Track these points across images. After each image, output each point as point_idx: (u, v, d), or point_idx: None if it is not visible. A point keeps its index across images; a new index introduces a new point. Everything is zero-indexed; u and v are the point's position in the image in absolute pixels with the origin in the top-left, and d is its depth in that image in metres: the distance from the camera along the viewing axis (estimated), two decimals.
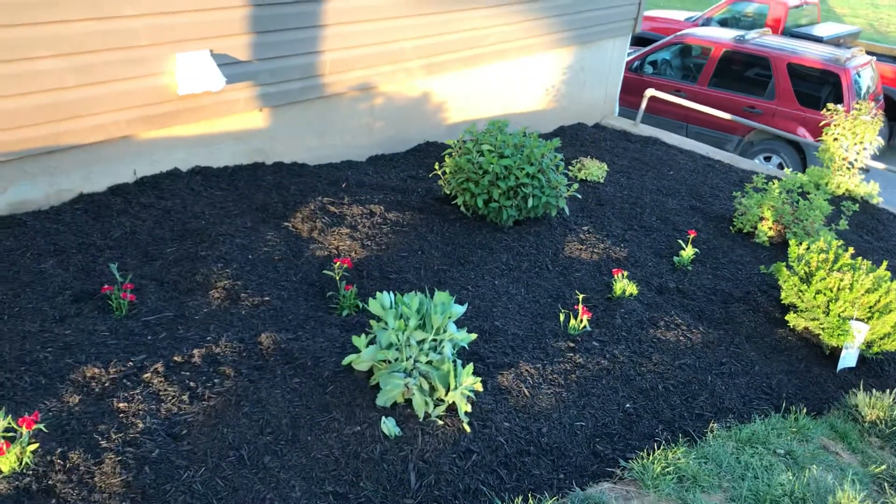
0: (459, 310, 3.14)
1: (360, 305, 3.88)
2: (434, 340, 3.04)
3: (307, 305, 3.87)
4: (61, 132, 4.28)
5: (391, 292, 3.81)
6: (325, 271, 4.04)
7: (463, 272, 4.37)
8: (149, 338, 3.42)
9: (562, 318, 4.03)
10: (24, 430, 2.57)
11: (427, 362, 3.01)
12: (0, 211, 4.19)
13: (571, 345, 3.84)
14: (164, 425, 2.88)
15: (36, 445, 2.62)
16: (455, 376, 2.96)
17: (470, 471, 2.94)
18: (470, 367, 3.04)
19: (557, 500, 2.92)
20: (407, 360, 3.02)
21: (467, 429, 3.04)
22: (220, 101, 4.96)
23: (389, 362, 3.07)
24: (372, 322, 3.21)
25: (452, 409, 3.11)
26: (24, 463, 2.59)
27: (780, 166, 9.17)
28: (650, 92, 8.89)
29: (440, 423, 3.06)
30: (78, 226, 4.22)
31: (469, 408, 3.07)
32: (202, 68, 4.62)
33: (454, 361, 3.08)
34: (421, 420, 3.03)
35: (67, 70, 4.17)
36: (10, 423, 2.57)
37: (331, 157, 6.00)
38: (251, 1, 4.82)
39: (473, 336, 3.19)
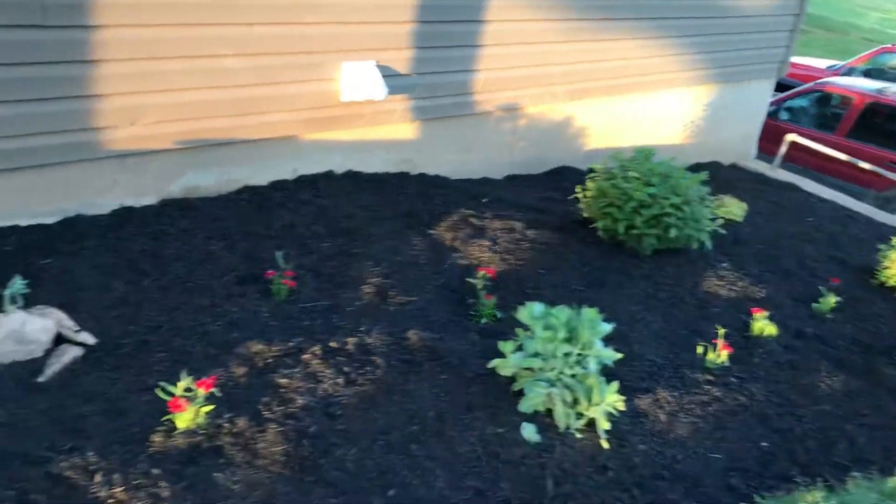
0: (606, 328, 3.21)
1: (498, 315, 3.99)
2: (580, 354, 3.11)
3: (448, 310, 4.01)
4: (235, 127, 4.61)
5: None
6: (468, 279, 4.17)
7: (599, 294, 4.42)
8: (306, 322, 3.64)
9: (700, 350, 4.02)
10: (202, 392, 2.79)
11: (571, 375, 3.09)
12: (176, 193, 4.54)
13: (710, 378, 3.83)
14: (321, 404, 3.06)
15: (212, 407, 2.85)
16: (599, 392, 3.02)
17: (605, 486, 2.99)
18: (615, 384, 3.09)
19: None
20: (551, 370, 3.10)
21: (605, 445, 3.09)
22: (378, 110, 5.21)
23: (533, 370, 3.16)
24: (518, 330, 3.32)
25: (591, 423, 3.17)
26: (197, 422, 2.81)
27: None
28: (791, 137, 8.68)
29: (578, 436, 3.12)
30: (243, 214, 4.51)
31: (608, 425, 3.12)
32: (366, 78, 4.87)
33: (598, 378, 3.14)
34: (560, 431, 3.10)
35: (247, 69, 4.49)
36: (189, 385, 2.79)
37: (471, 173, 6.17)
38: (417, 17, 5.05)
39: (619, 355, 3.25)
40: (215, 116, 4.49)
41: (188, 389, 2.80)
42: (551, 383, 3.10)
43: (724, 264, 5.24)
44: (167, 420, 2.83)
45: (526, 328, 3.29)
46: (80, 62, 3.88)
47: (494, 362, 3.24)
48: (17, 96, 3.76)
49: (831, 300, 4.96)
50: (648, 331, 4.18)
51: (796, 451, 3.51)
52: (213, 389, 2.84)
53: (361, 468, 2.81)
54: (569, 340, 3.10)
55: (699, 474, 3.22)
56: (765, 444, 3.51)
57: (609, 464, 3.07)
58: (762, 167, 8.90)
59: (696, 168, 8.01)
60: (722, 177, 7.91)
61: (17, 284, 3.16)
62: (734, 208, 6.47)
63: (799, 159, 9.56)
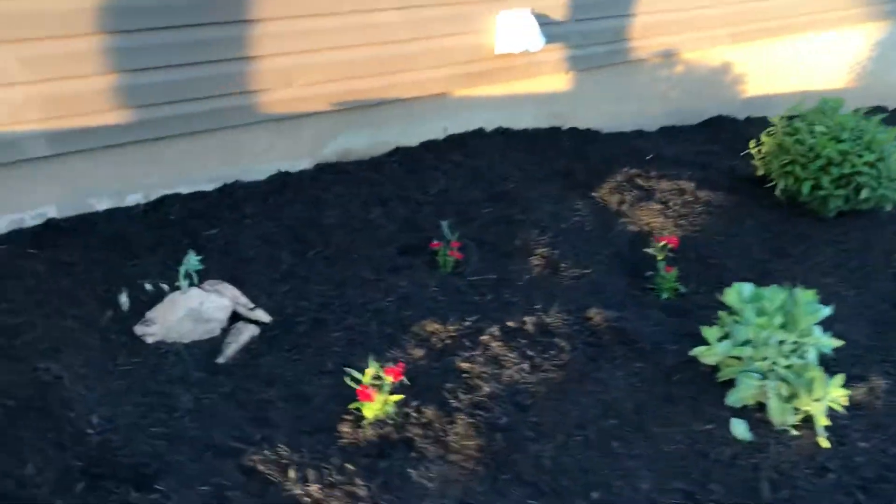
0: (825, 311, 2.85)
1: (681, 290, 3.67)
2: (795, 343, 2.78)
3: (624, 283, 3.72)
4: (388, 85, 4.40)
5: (717, 280, 3.56)
6: (644, 250, 3.85)
7: (786, 265, 4.02)
8: (475, 298, 3.43)
9: None
10: (390, 379, 2.62)
11: (786, 366, 2.76)
12: (329, 157, 4.39)
13: None
14: (508, 392, 2.85)
15: (401, 397, 2.68)
16: (822, 386, 2.68)
17: (827, 490, 2.67)
18: (839, 377, 2.75)
19: None
20: (763, 360, 2.78)
21: (825, 444, 2.76)
22: (531, 62, 4.88)
23: (741, 360, 2.84)
24: (721, 314, 3.00)
25: (806, 419, 2.84)
26: (385, 411, 2.65)
27: None
28: None
29: (794, 433, 2.80)
30: (396, 178, 4.32)
31: (828, 421, 2.78)
32: (522, 28, 4.55)
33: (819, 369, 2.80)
34: (774, 428, 2.79)
35: (402, 24, 4.25)
36: (378, 372, 2.63)
37: (622, 125, 5.78)
38: None
39: (839, 342, 2.89)
40: (368, 76, 4.29)
41: (376, 377, 2.63)
42: (763, 375, 2.78)
43: None
44: (353, 409, 2.68)
45: (729, 310, 2.96)
46: (237, 22, 3.72)
47: (698, 350, 2.94)
48: (175, 61, 3.64)
49: None
50: (846, 307, 3.76)
51: None
52: (402, 378, 2.66)
53: (559, 466, 2.60)
54: (784, 326, 2.76)
55: None
56: None
57: (829, 464, 2.75)
58: None
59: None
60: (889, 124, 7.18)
61: (192, 260, 3.07)
62: None
63: None
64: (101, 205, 3.71)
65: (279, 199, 3.97)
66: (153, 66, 3.59)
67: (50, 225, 3.52)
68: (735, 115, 6.41)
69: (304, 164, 4.31)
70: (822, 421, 2.77)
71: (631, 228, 4.14)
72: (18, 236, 3.44)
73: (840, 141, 4.32)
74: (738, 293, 2.88)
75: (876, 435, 2.95)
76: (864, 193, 4.32)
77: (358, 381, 2.65)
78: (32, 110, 3.33)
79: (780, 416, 2.74)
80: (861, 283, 4.04)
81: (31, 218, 3.54)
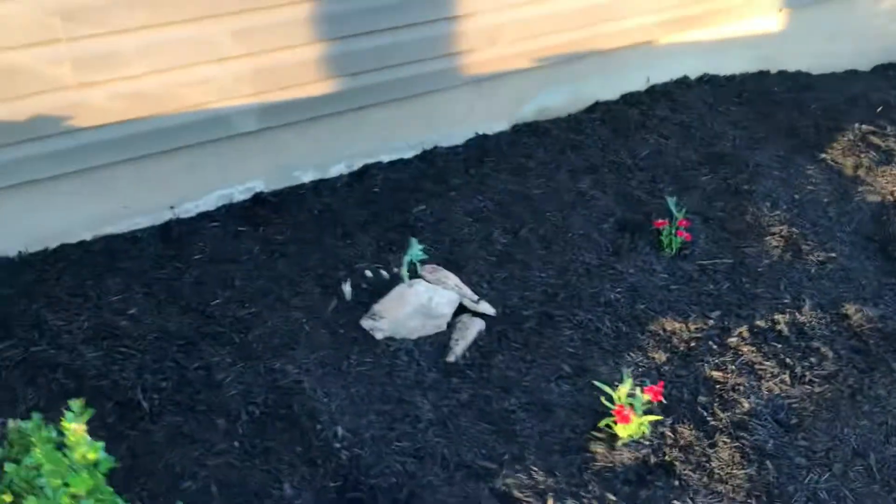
0: None
1: None
2: None
3: (872, 267, 3.32)
4: (589, 37, 4.06)
5: None
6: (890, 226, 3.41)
7: None
8: (710, 287, 3.13)
9: None
10: (646, 397, 2.40)
11: None
12: (527, 117, 4.11)
13: None
14: (769, 408, 2.59)
15: (659, 418, 2.46)
16: None
17: None
18: None
19: None
20: None
21: None
22: (749, 1, 4.38)
23: None
24: None
25: None
26: (641, 433, 2.44)
27: None
28: None
29: None
30: (600, 139, 4.01)
31: None
32: None
33: None
34: None
35: None
36: (632, 389, 2.40)
37: (833, 66, 5.17)
38: None
39: None
40: (570, 29, 3.94)
41: (630, 394, 2.41)
42: None
43: None
44: (604, 426, 2.48)
45: None
46: None
47: None
48: (381, 25, 3.41)
49: None
50: None
51: None
52: (661, 400, 2.43)
53: (840, 501, 2.32)
54: None
55: None
56: None
57: None
58: None
59: None
60: None
61: (416, 250, 2.91)
62: None
63: None
64: (307, 177, 3.60)
65: (481, 167, 3.75)
66: (358, 32, 3.38)
67: (259, 199, 3.45)
68: None
69: (501, 125, 4.05)
70: None
71: (873, 199, 3.68)
72: (229, 212, 3.39)
73: None
74: None
75: None
76: None
77: (605, 394, 2.44)
78: (243, 85, 3.21)
79: None
80: None
81: (239, 193, 3.48)
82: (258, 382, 2.56)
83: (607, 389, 2.49)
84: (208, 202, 3.38)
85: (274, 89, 3.30)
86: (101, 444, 1.53)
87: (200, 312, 2.80)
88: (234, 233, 3.28)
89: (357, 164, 3.69)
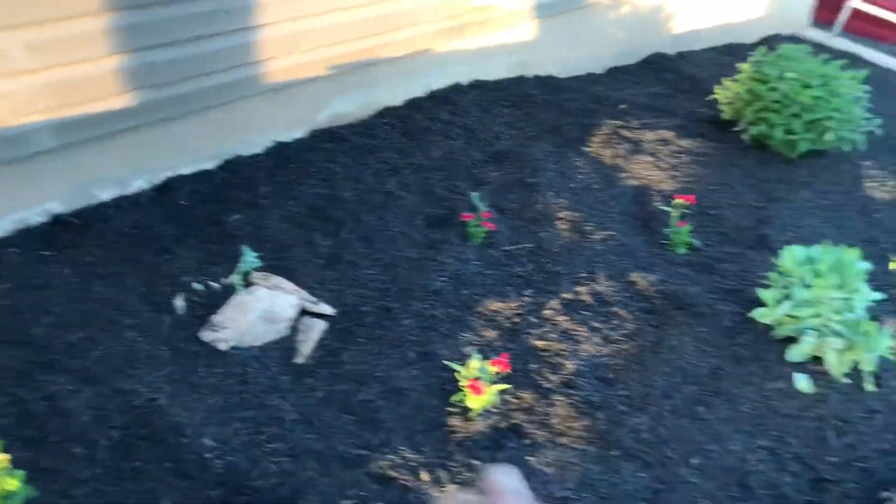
0: (868, 267, 3.10)
1: (695, 244, 3.84)
2: (846, 299, 3.01)
3: (643, 241, 3.86)
4: (379, 45, 4.26)
5: (722, 231, 3.76)
6: (653, 206, 3.99)
7: (777, 210, 4.28)
8: (519, 269, 3.47)
9: (893, 265, 3.94)
10: (493, 370, 2.66)
11: (840, 321, 3.00)
12: (322, 123, 4.23)
13: None
14: (589, 367, 2.95)
15: (507, 386, 2.72)
16: (876, 338, 2.94)
17: (879, 431, 2.96)
18: (891, 327, 3.01)
19: None
20: (818, 317, 3.01)
21: (872, 388, 3.05)
22: (508, 12, 4.85)
23: (796, 318, 3.06)
24: (772, 276, 3.20)
25: (855, 369, 3.11)
26: (491, 402, 2.69)
27: None
28: (854, 3, 8.32)
29: (846, 381, 3.07)
30: (394, 142, 4.23)
31: (875, 368, 3.07)
32: None
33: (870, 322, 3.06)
34: (831, 379, 3.05)
35: None
36: (481, 363, 2.65)
37: (576, 69, 5.86)
38: None
39: (883, 295, 3.15)
40: (364, 36, 4.13)
41: (479, 368, 2.65)
42: (819, 330, 3.01)
43: (867, 162, 5.10)
44: (457, 401, 2.70)
45: (780, 273, 3.16)
46: None
47: (757, 312, 3.13)
48: (181, 36, 3.36)
49: None
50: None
51: None
52: (508, 370, 2.69)
53: (658, 437, 2.75)
54: (837, 285, 2.99)
55: None
56: None
57: (876, 406, 3.04)
58: (822, 37, 8.57)
59: (763, 43, 7.69)
60: (787, 52, 7.60)
61: (250, 258, 2.93)
62: None
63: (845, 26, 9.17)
64: (106, 194, 3.44)
65: (286, 173, 3.81)
66: (155, 44, 3.30)
67: (59, 221, 3.25)
68: (668, 52, 6.60)
69: (299, 132, 4.14)
70: (870, 368, 3.04)
71: (632, 183, 4.27)
72: (28, 237, 3.16)
73: (809, 87, 4.58)
74: (792, 256, 3.07)
75: None
76: (829, 136, 4.63)
77: (453, 372, 2.66)
78: (38, 100, 3.01)
79: (838, 368, 2.99)
80: (837, 222, 4.38)
81: (35, 215, 3.25)
82: (110, 406, 2.45)
83: (457, 367, 2.71)
84: (3, 227, 3.12)
85: (72, 104, 3.12)
86: (21, 472, 1.46)
87: (26, 343, 2.61)
88: (38, 257, 3.07)
89: (159, 178, 3.59)
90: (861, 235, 4.29)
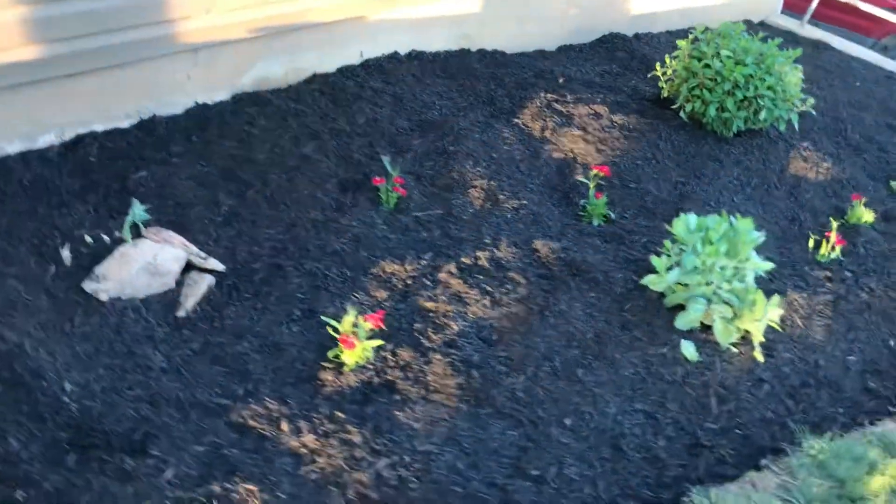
0: (761, 237, 3.10)
1: (611, 215, 3.84)
2: (736, 268, 3.02)
3: (559, 211, 3.86)
4: (307, 9, 4.23)
5: (642, 204, 3.76)
6: (573, 178, 3.99)
7: (700, 186, 4.28)
8: (425, 234, 3.47)
9: (812, 244, 3.94)
10: (368, 326, 2.66)
11: (729, 290, 3.00)
12: (247, 87, 4.21)
13: (827, 274, 3.77)
14: (474, 329, 2.96)
15: (380, 343, 2.72)
16: (763, 307, 2.94)
17: (764, 400, 2.98)
18: (776, 297, 3.02)
19: (848, 433, 2.94)
20: (707, 285, 3.01)
21: (761, 358, 3.06)
22: None
23: (687, 286, 3.06)
24: (666, 243, 3.20)
25: (744, 336, 3.12)
26: (365, 357, 2.69)
27: None
28: None
29: (734, 350, 3.07)
30: (321, 108, 4.22)
31: (763, 338, 3.07)
32: None
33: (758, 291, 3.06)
34: (719, 347, 3.05)
35: None
36: (355, 319, 2.65)
37: (525, 46, 5.82)
38: None
39: (772, 265, 3.16)
40: (286, 0, 4.10)
41: (354, 325, 2.66)
42: (708, 299, 3.01)
43: (805, 143, 5.09)
44: (332, 356, 2.71)
45: (674, 241, 3.16)
46: None
47: (649, 279, 3.13)
48: None
49: None
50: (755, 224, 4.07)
51: None
52: (382, 326, 2.70)
53: (533, 397, 2.76)
54: (727, 253, 2.99)
55: (840, 379, 3.22)
56: (893, 342, 3.50)
57: (763, 376, 3.05)
58: (792, 24, 8.53)
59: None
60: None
61: (138, 211, 2.94)
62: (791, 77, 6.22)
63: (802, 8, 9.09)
64: (12, 147, 3.44)
65: (204, 134, 3.80)
66: None
67: None
68: (625, 33, 6.57)
69: (221, 94, 4.12)
70: (759, 337, 3.05)
71: (557, 155, 4.26)
72: None
73: (744, 65, 4.57)
74: (685, 224, 3.07)
75: (796, 346, 3.28)
76: (763, 114, 4.62)
77: (335, 328, 2.66)
78: None
79: (725, 336, 3.00)
80: (763, 200, 4.37)
81: None
82: None
83: (333, 323, 2.71)
84: None
85: None
86: None
87: None
88: None
89: (69, 134, 3.58)
90: (785, 214, 4.29)
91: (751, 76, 4.53)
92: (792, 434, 2.86)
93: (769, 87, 4.56)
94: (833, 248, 3.89)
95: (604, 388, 2.85)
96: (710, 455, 2.74)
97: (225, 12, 3.85)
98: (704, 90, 4.65)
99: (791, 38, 7.98)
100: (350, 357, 2.66)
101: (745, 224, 3.06)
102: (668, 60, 5.01)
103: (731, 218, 3.16)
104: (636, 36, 6.57)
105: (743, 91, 4.56)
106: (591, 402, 2.80)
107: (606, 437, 2.71)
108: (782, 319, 3.37)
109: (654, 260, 3.13)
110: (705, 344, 3.08)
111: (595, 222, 3.80)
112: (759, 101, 4.59)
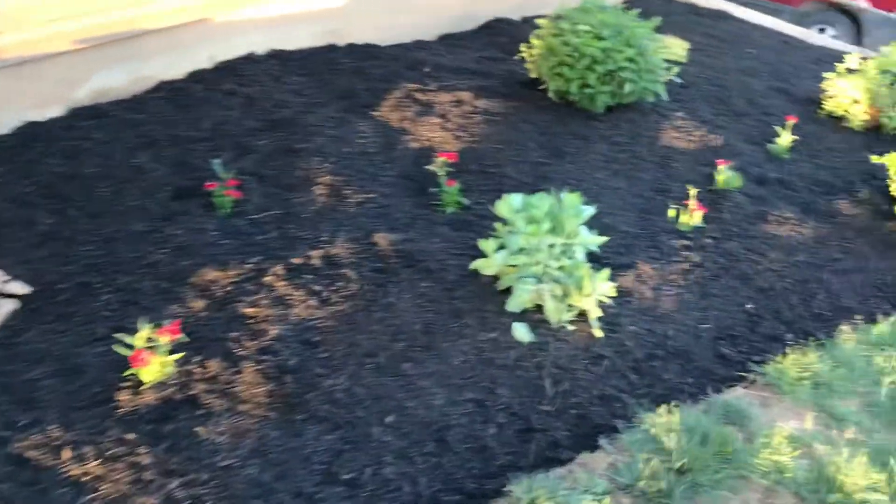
0: (589, 211, 3.01)
1: (464, 203, 3.73)
2: (565, 244, 2.92)
3: (410, 202, 3.74)
4: (140, 15, 4.06)
5: (498, 189, 3.66)
6: (426, 167, 3.86)
7: (563, 166, 4.19)
8: (259, 237, 3.33)
9: (672, 213, 3.87)
10: (166, 339, 2.51)
11: (558, 267, 2.90)
12: (84, 100, 4.04)
13: (686, 242, 3.70)
14: (296, 332, 2.82)
15: (180, 355, 2.58)
16: (591, 282, 2.85)
17: (603, 376, 2.88)
18: (606, 271, 2.93)
19: (693, 404, 2.86)
20: (537, 265, 2.91)
21: (599, 334, 2.96)
22: None
23: (517, 267, 2.96)
24: (497, 225, 3.09)
25: (582, 314, 3.02)
26: (165, 373, 2.54)
27: (835, 38, 8.58)
28: None
29: (571, 328, 2.98)
30: (164, 116, 4.06)
31: (600, 312, 2.97)
32: None
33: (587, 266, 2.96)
34: (553, 326, 2.95)
35: None
36: (150, 334, 2.50)
37: (401, 37, 5.70)
38: None
39: (604, 239, 3.06)
40: (115, 8, 3.93)
41: (150, 339, 2.50)
42: (538, 278, 2.91)
43: (679, 113, 5.04)
44: (131, 375, 2.55)
45: (504, 221, 3.05)
46: None
47: (476, 263, 3.02)
48: None
49: (787, 140, 4.84)
50: (616, 198, 4.00)
51: (780, 309, 3.46)
52: (179, 336, 2.54)
53: (353, 397, 2.63)
54: (553, 231, 2.89)
55: (691, 348, 3.14)
56: (749, 305, 3.44)
57: (603, 352, 2.96)
58: None
59: (629, 5, 7.63)
60: (655, 12, 7.54)
61: None
62: (676, 48, 6.17)
63: None
64: None
65: (29, 153, 3.63)
66: None
67: None
68: (511, 16, 6.48)
69: (55, 111, 3.94)
70: (595, 313, 2.95)
71: (413, 146, 4.14)
72: None
73: (601, 38, 4.49)
74: (508, 204, 2.96)
75: (644, 318, 3.20)
76: (627, 87, 4.55)
77: (131, 346, 2.51)
78: None
79: (557, 314, 2.90)
80: (630, 174, 4.30)
81: None
82: None
83: (128, 340, 2.55)
84: None
85: None
86: None
87: None
88: None
89: None
90: (652, 185, 4.22)
91: (609, 49, 4.45)
92: (633, 410, 2.76)
93: (629, 59, 4.49)
94: (692, 217, 3.82)
95: (430, 380, 2.73)
96: (543, 439, 2.64)
97: (42, 24, 3.68)
98: (565, 67, 4.56)
99: (690, 10, 7.99)
100: (147, 374, 2.50)
101: (571, 199, 2.96)
102: (532, 40, 4.92)
103: (560, 194, 3.06)
104: (524, 19, 6.48)
105: (603, 65, 4.48)
106: (416, 396, 2.67)
107: (431, 431, 2.59)
108: (630, 292, 3.28)
109: (481, 243, 3.02)
110: (540, 325, 2.97)
111: (449, 210, 3.69)
112: (621, 74, 4.51)
